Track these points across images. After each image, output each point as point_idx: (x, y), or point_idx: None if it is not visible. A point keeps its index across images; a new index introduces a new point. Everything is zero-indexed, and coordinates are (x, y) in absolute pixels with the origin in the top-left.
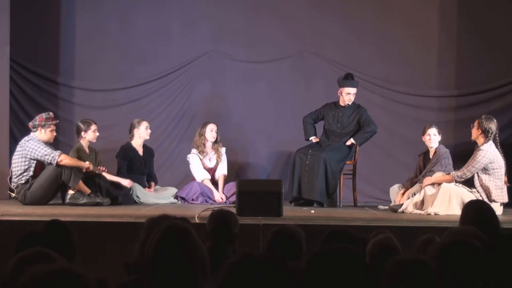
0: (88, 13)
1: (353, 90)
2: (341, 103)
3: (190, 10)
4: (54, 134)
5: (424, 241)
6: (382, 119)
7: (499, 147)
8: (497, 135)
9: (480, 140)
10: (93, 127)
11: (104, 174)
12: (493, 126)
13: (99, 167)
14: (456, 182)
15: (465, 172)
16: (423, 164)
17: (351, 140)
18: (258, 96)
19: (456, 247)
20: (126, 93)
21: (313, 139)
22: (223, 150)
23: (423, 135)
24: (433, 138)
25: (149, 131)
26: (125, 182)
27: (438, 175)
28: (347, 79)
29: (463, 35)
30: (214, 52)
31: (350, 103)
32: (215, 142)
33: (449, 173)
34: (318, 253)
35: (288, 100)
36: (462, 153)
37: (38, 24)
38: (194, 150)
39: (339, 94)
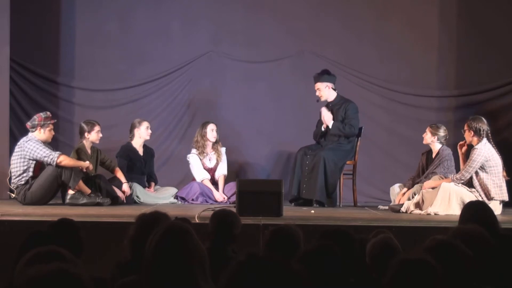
0: (88, 13)
1: (316, 86)
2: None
3: (190, 10)
4: (53, 133)
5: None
6: (382, 119)
7: (493, 144)
8: (489, 132)
9: (475, 140)
10: (97, 128)
11: (117, 172)
12: (483, 124)
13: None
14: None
15: (463, 173)
16: (426, 164)
17: (330, 125)
18: (258, 96)
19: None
20: (126, 93)
21: (323, 127)
22: (223, 150)
23: None
24: (425, 136)
25: (149, 131)
26: (125, 187)
27: (437, 181)
28: (314, 76)
29: (463, 35)
30: (214, 52)
31: (323, 99)
32: (215, 142)
33: (447, 177)
34: (306, 253)
35: (288, 100)
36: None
37: (38, 24)
38: (194, 150)
39: None
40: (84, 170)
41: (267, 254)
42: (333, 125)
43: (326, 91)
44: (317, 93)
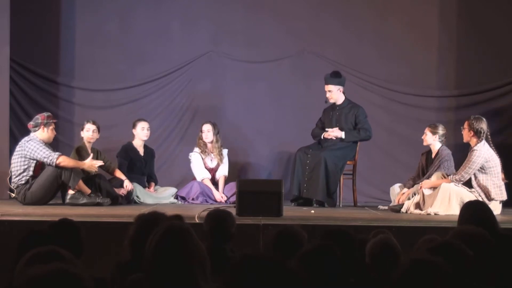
0: (88, 13)
1: (327, 88)
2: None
3: (190, 10)
4: (55, 133)
5: (425, 242)
6: (382, 119)
7: (492, 145)
8: (488, 134)
9: (473, 141)
10: (87, 126)
11: (117, 172)
12: (483, 125)
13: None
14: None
15: (462, 174)
16: (425, 164)
17: (342, 135)
18: (258, 96)
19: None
20: (126, 93)
21: (325, 134)
22: (225, 151)
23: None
24: (425, 137)
25: (146, 132)
26: (127, 184)
27: (436, 180)
28: (327, 77)
29: (463, 35)
30: (214, 52)
31: (332, 101)
32: (215, 142)
33: (446, 177)
34: (305, 253)
35: (288, 100)
36: (462, 153)
37: (38, 24)
38: (196, 149)
39: None
40: (95, 166)
41: (267, 254)
42: (346, 135)
43: (337, 94)
44: (327, 95)
